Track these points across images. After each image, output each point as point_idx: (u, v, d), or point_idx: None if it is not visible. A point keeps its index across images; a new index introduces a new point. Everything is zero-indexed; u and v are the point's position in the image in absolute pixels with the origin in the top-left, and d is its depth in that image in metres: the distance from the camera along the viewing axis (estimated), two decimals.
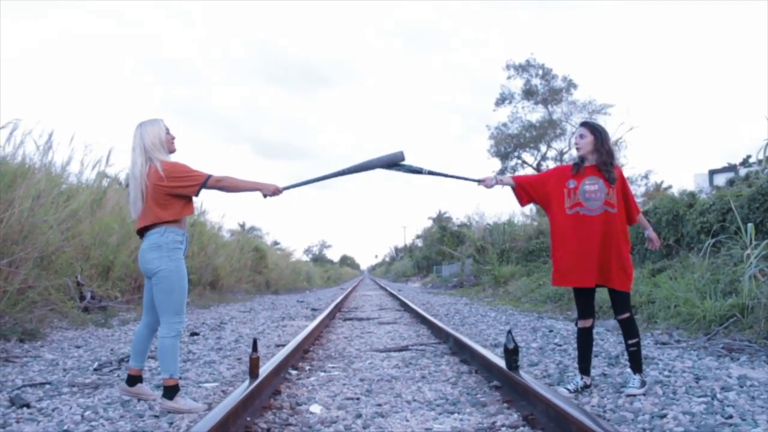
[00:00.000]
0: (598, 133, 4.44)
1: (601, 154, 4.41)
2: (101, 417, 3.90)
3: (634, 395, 4.11)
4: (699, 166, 71.32)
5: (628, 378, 4.41)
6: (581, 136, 4.47)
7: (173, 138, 4.22)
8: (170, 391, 4.03)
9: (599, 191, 4.33)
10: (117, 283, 11.39)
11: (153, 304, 4.18)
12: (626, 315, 4.36)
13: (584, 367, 4.48)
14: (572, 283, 4.41)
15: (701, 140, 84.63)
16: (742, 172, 18.35)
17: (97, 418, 3.88)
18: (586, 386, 4.42)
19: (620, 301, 4.37)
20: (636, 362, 4.35)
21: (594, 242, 4.27)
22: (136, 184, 4.05)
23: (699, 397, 4.02)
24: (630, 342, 4.36)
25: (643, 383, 4.25)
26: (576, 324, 4.60)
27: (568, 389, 4.34)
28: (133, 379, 4.30)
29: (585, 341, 4.48)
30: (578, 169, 4.45)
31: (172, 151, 4.20)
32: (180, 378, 5.17)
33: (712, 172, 29.20)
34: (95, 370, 5.64)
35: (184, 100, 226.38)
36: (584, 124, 4.59)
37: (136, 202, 4.06)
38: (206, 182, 4.03)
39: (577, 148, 4.49)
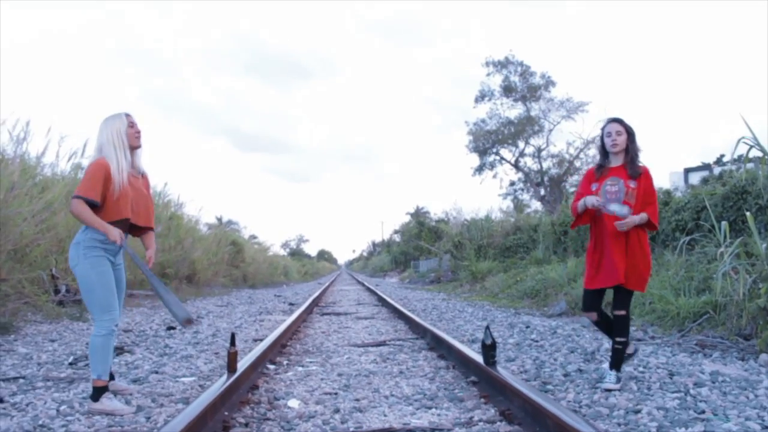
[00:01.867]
0: (631, 130, 4.43)
1: (628, 153, 4.40)
2: (77, 412, 3.86)
3: (610, 390, 4.16)
4: (674, 165, 72.23)
5: (604, 373, 4.45)
6: (618, 133, 4.40)
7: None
8: (96, 393, 3.86)
9: (619, 192, 4.35)
10: None
11: None
12: (623, 312, 4.39)
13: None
14: (600, 284, 4.42)
15: (677, 139, 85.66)
16: (717, 170, 18.60)
17: (72, 412, 3.84)
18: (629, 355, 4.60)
19: (622, 298, 4.42)
20: (617, 359, 4.38)
21: (615, 242, 4.33)
22: None
23: (673, 392, 4.08)
24: (617, 339, 4.38)
25: (618, 379, 4.30)
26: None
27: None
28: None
29: (602, 328, 4.60)
30: (601, 171, 4.46)
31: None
32: (156, 372, 5.15)
33: (687, 171, 29.49)
34: (70, 364, 5.58)
35: (161, 91, 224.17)
36: (617, 121, 4.47)
37: None
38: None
39: (613, 145, 4.41)
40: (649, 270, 4.42)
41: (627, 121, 4.50)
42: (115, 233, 3.89)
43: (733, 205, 9.12)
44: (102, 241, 3.90)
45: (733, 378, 4.47)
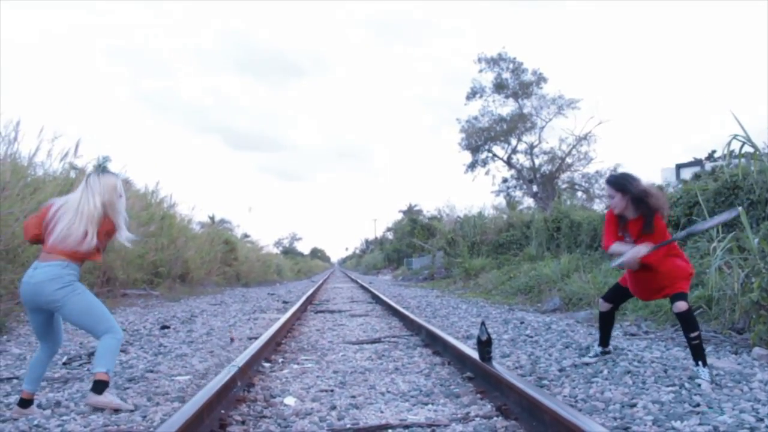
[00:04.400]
0: (624, 189, 4.43)
1: (637, 207, 4.43)
2: (72, 411, 3.85)
3: (700, 384, 4.10)
4: (666, 161, 72.46)
5: (697, 370, 4.39)
6: (611, 197, 4.48)
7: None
8: (101, 386, 3.83)
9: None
10: (85, 276, 11.23)
11: (46, 331, 4.02)
12: (679, 309, 4.38)
13: (602, 341, 5.13)
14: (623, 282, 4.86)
15: (669, 135, 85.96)
16: (708, 166, 18.67)
17: (68, 412, 3.83)
18: (604, 353, 5.12)
19: (670, 299, 4.51)
20: (695, 354, 4.35)
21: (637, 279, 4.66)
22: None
23: (667, 386, 4.10)
24: (688, 336, 4.39)
25: (709, 374, 4.23)
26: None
27: (589, 355, 5.15)
28: (27, 402, 3.88)
29: (603, 320, 5.02)
30: (623, 223, 4.53)
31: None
32: (151, 371, 5.14)
33: (679, 167, 29.66)
34: (64, 364, 5.56)
35: (153, 90, 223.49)
36: (607, 182, 4.55)
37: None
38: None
39: (614, 208, 4.53)
40: (657, 285, 4.54)
41: (623, 175, 4.58)
42: None
43: (725, 200, 9.17)
44: (78, 276, 3.97)
45: (727, 371, 4.49)
